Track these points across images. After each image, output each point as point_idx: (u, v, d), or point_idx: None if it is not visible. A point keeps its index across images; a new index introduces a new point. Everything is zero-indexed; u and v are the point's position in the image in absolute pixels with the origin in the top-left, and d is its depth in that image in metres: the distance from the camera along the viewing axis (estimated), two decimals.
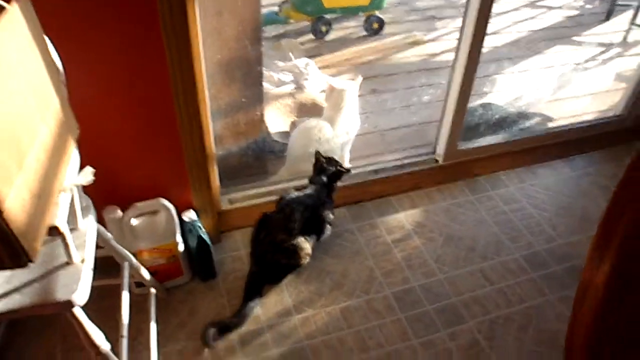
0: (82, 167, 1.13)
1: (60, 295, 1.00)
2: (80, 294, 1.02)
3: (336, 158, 1.95)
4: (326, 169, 1.89)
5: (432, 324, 1.70)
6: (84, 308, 1.06)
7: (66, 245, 1.02)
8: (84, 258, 1.08)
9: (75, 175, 1.06)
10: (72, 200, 1.08)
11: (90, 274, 1.08)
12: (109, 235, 1.35)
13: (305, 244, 1.77)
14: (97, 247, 1.31)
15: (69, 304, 1.00)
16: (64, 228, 0.93)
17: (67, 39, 1.14)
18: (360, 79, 2.18)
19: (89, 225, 1.16)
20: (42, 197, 0.87)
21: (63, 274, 1.04)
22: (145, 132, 1.55)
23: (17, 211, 0.78)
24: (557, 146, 2.38)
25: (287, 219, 1.75)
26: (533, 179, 2.29)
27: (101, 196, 1.43)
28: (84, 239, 1.12)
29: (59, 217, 0.92)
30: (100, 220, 1.49)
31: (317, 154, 1.93)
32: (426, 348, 1.63)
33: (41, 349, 1.55)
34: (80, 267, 1.06)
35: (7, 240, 0.78)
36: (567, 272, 1.88)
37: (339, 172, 1.90)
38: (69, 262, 1.06)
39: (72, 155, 1.04)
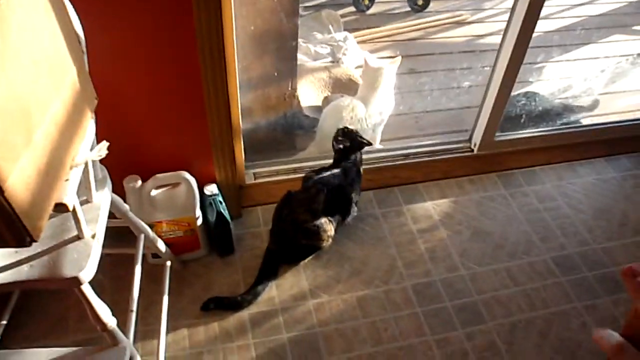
0: (103, 136, 1.10)
1: (68, 271, 0.98)
2: (88, 271, 1.00)
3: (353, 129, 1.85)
4: (345, 145, 1.79)
5: (450, 321, 1.65)
6: (98, 276, 1.04)
7: (77, 220, 1.00)
8: (95, 233, 1.06)
9: (89, 149, 1.03)
10: (87, 172, 1.06)
11: (100, 249, 1.06)
12: (126, 207, 1.33)
13: (329, 226, 1.72)
14: (113, 218, 1.30)
15: (77, 281, 0.98)
16: (72, 205, 0.90)
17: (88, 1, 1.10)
18: (399, 59, 2.09)
19: (103, 199, 1.14)
20: (50, 173, 0.84)
21: (72, 249, 1.02)
22: (169, 103, 1.52)
23: (20, 189, 0.76)
24: (602, 143, 2.25)
25: (311, 199, 1.71)
26: (572, 177, 2.18)
27: (122, 165, 1.42)
28: (97, 213, 1.10)
29: (68, 194, 0.89)
30: (120, 189, 1.48)
31: (334, 138, 1.82)
32: (441, 346, 1.58)
33: (54, 313, 1.57)
34: (91, 243, 1.04)
35: (9, 220, 0.75)
36: (598, 280, 1.79)
37: (360, 143, 1.81)
38: (79, 237, 1.04)
39: (87, 128, 1.01)
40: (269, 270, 1.71)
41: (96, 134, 1.12)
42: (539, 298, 1.73)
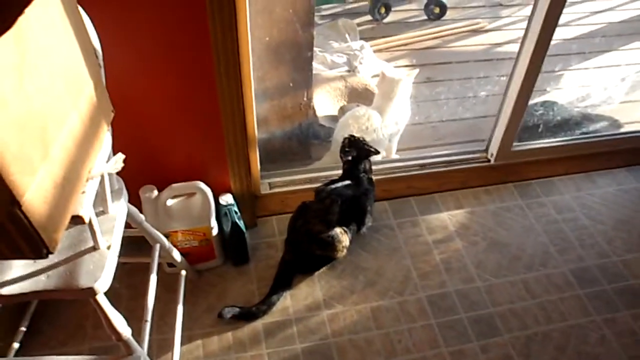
0: (119, 148, 1.11)
1: (83, 282, 1.00)
2: (103, 282, 1.01)
3: (362, 138, 1.85)
4: (353, 156, 1.79)
5: (465, 333, 1.63)
6: (114, 284, 1.06)
7: (93, 232, 1.02)
8: (111, 244, 1.07)
9: (105, 161, 1.04)
10: (103, 183, 1.07)
11: (115, 260, 1.07)
12: (142, 217, 1.34)
13: (343, 237, 1.72)
14: (130, 227, 1.32)
15: (92, 292, 1.00)
16: (89, 217, 0.91)
17: (104, 13, 1.11)
18: (416, 71, 2.08)
19: (119, 210, 1.15)
20: (67, 186, 0.86)
21: (88, 260, 1.04)
22: (185, 113, 1.53)
23: (37, 203, 0.77)
24: (622, 153, 2.22)
25: (326, 210, 1.71)
26: (591, 188, 2.15)
27: (138, 176, 1.43)
28: (113, 224, 1.11)
29: (84, 207, 0.90)
30: (136, 199, 1.50)
31: (341, 149, 1.83)
32: (455, 358, 1.56)
33: (72, 320, 1.59)
34: (106, 254, 1.05)
35: (26, 233, 0.77)
36: (618, 293, 1.76)
37: (367, 152, 1.80)
38: (95, 248, 1.06)
39: (104, 140, 1.02)
40: (284, 280, 1.72)
41: (113, 145, 1.14)
42: (556, 311, 1.70)
